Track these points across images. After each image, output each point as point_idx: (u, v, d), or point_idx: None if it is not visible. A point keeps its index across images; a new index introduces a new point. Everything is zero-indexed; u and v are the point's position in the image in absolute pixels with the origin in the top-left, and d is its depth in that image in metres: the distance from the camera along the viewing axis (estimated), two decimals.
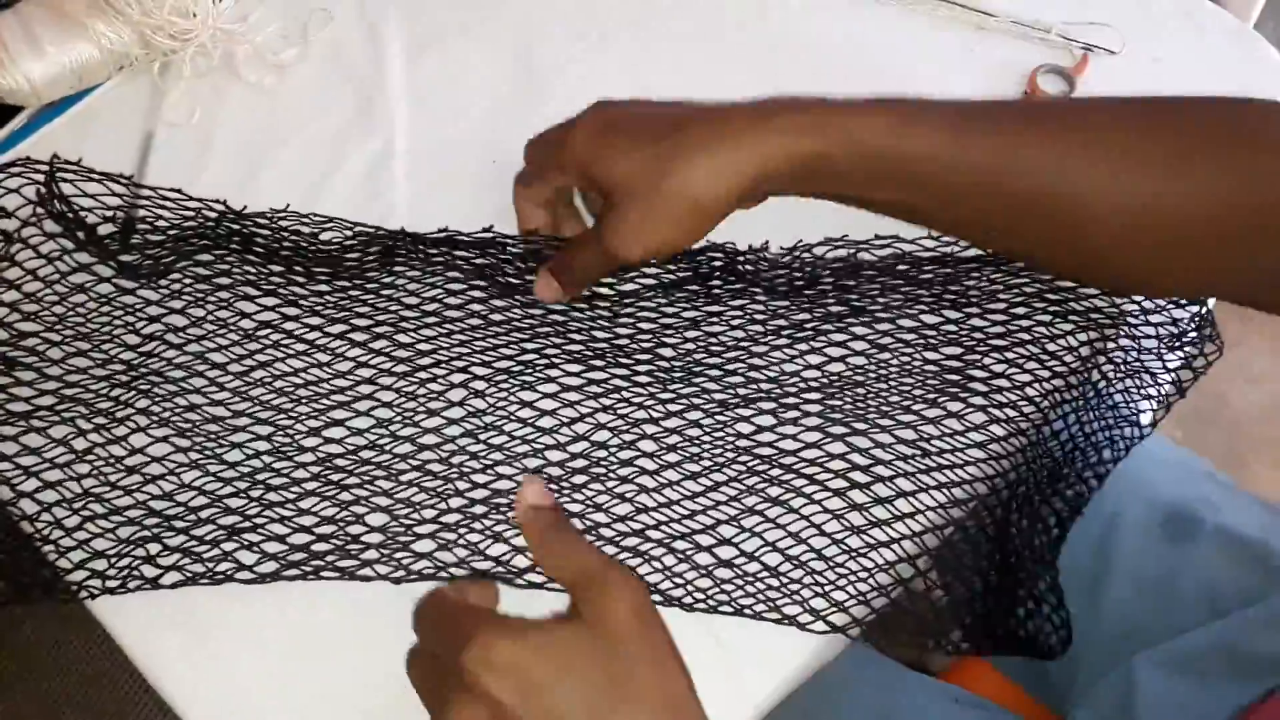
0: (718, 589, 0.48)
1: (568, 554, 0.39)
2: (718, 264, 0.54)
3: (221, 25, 0.63)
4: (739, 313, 0.54)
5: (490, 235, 0.53)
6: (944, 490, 0.50)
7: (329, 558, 0.49)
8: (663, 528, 0.50)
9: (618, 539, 0.50)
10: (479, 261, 0.54)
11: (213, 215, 0.54)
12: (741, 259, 0.53)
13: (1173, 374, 0.53)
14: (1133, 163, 0.42)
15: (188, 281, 0.55)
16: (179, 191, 0.55)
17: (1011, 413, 0.52)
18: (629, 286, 0.55)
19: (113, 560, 0.49)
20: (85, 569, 0.49)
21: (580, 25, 0.66)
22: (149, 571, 0.49)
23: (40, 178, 0.53)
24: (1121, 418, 0.51)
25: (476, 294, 0.55)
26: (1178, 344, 0.53)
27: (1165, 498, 0.56)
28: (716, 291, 0.55)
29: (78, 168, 0.54)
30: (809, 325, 0.54)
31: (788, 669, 0.48)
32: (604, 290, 0.55)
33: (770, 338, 0.54)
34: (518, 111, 0.63)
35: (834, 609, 0.48)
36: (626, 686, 0.36)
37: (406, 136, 0.62)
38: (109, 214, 0.55)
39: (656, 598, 0.48)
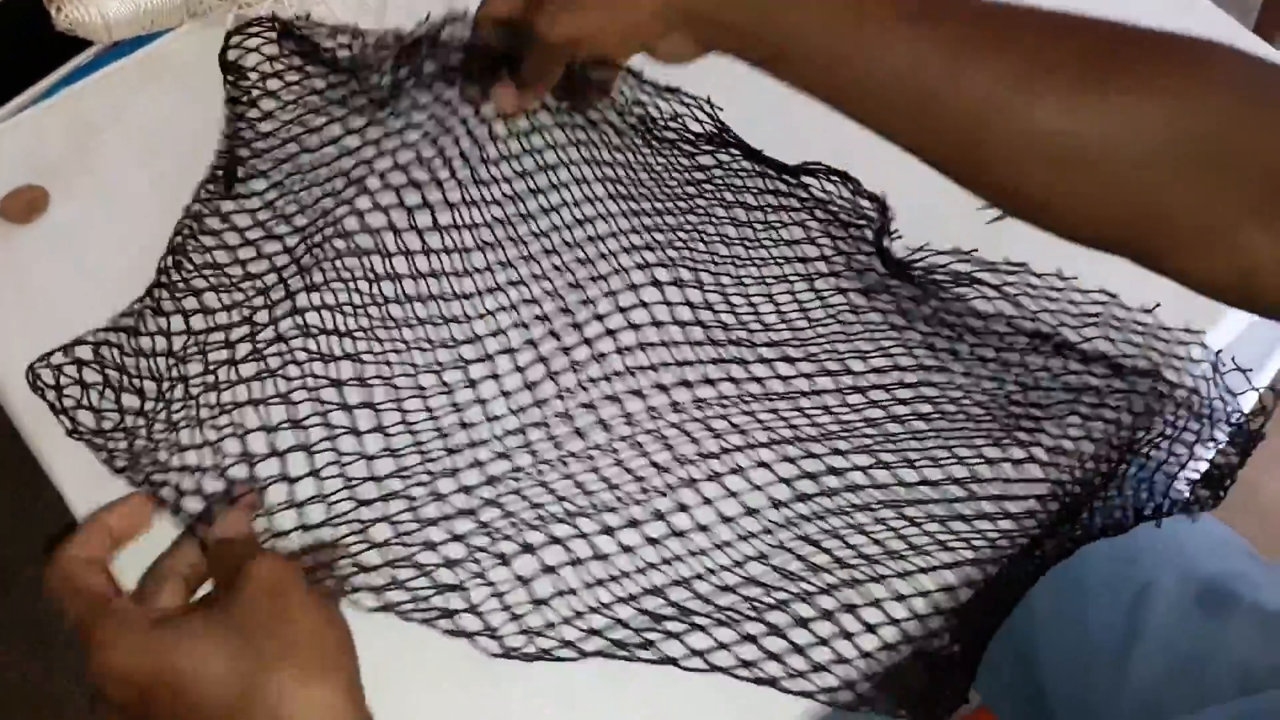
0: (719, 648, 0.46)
1: (224, 549, 0.38)
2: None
3: None
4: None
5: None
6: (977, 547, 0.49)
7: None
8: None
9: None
10: None
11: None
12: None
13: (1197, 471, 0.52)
14: (1036, 74, 0.37)
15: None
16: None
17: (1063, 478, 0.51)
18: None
19: None
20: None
21: None
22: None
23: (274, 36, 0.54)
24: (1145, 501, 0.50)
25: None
26: (1209, 437, 0.52)
27: (1201, 571, 0.55)
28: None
29: (308, 23, 0.55)
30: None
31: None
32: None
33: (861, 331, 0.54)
34: None
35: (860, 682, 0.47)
36: (265, 659, 0.34)
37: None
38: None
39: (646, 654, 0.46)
